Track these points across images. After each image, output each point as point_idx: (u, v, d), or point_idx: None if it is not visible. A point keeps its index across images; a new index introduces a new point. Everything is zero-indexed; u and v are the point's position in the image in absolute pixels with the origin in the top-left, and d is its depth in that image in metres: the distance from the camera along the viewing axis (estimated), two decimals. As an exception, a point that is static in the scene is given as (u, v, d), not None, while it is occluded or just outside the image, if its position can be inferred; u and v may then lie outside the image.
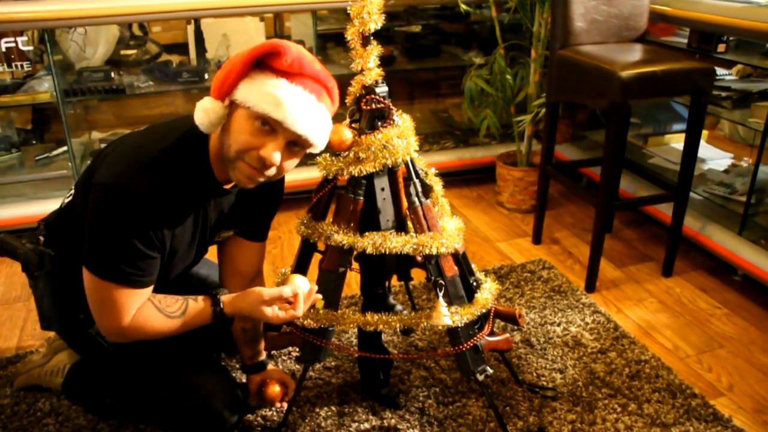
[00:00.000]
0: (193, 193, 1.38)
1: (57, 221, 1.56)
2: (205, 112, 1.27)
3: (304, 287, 1.42)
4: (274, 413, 1.73)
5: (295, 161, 1.35)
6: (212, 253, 1.69)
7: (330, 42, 3.32)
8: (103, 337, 1.56)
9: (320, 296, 1.48)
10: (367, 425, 1.69)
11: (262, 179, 1.32)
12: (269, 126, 1.26)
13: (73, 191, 1.51)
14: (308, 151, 1.36)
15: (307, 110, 1.26)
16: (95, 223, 1.31)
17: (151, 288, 1.39)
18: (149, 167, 1.30)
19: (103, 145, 2.94)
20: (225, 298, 1.44)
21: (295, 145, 1.31)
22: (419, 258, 1.52)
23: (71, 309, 1.54)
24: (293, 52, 1.25)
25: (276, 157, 1.27)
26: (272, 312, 1.39)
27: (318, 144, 1.34)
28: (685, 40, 2.60)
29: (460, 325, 1.52)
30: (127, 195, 1.26)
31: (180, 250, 1.44)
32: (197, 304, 1.43)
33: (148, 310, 1.39)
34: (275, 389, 1.66)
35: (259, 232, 1.62)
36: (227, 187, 1.43)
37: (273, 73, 1.25)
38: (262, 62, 1.26)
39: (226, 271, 1.64)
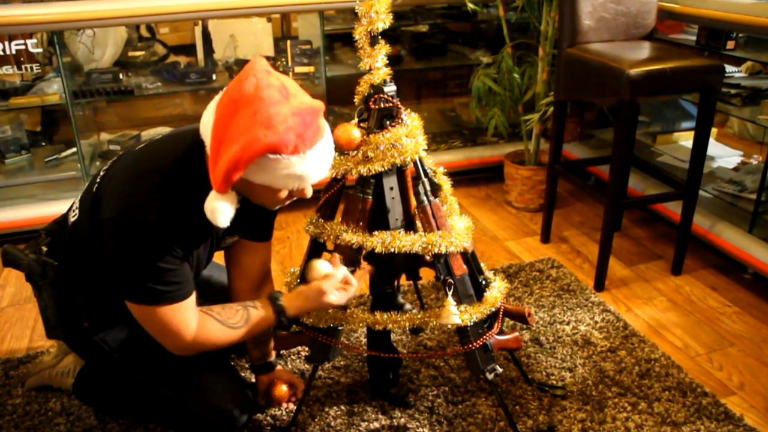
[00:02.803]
0: (198, 209, 1.37)
1: (62, 235, 1.56)
2: (217, 210, 1.25)
3: (326, 269, 1.48)
4: (284, 413, 1.73)
5: None
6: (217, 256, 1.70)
7: (337, 42, 3.32)
8: (108, 344, 1.56)
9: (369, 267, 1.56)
10: (376, 424, 1.69)
11: None
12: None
13: (78, 208, 1.50)
14: None
15: (323, 160, 1.30)
16: (118, 258, 1.32)
17: (194, 295, 1.39)
18: (153, 191, 1.31)
19: (111, 147, 2.99)
20: (285, 302, 1.46)
21: None
22: (428, 257, 1.52)
23: (75, 318, 1.54)
24: (291, 138, 1.21)
25: (308, 195, 1.35)
26: (336, 297, 1.45)
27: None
28: (694, 38, 2.59)
29: (469, 324, 1.51)
30: (138, 224, 1.28)
31: (196, 260, 1.45)
32: (259, 312, 1.45)
33: (210, 324, 1.40)
34: (282, 389, 1.67)
35: (263, 232, 1.62)
36: None
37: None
38: None
39: (234, 275, 1.64)
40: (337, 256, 1.51)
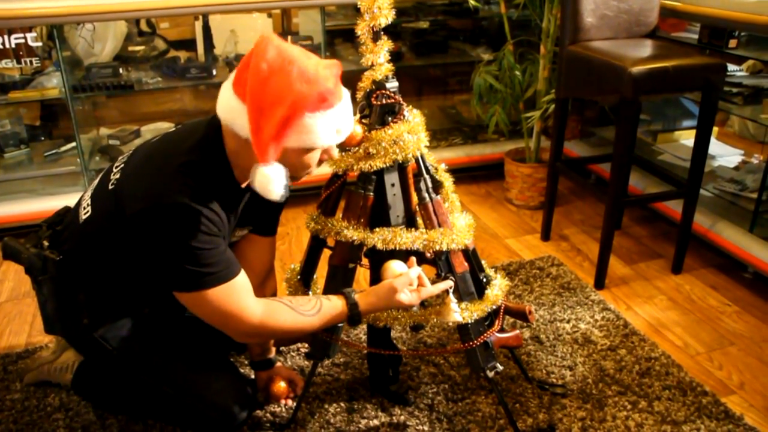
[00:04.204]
0: (220, 195, 1.37)
1: (67, 229, 1.55)
2: (269, 180, 1.24)
3: (400, 269, 1.46)
4: (283, 410, 1.73)
5: None
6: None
7: (338, 38, 3.31)
8: (108, 341, 1.55)
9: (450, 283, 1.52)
10: (376, 422, 1.69)
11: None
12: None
13: (90, 205, 1.48)
14: None
15: (348, 113, 1.32)
16: (154, 247, 1.30)
17: (243, 275, 1.37)
18: (176, 175, 1.30)
19: (111, 142, 2.98)
20: (358, 297, 1.44)
21: None
22: (429, 254, 1.51)
23: (75, 314, 1.52)
24: (330, 88, 1.25)
25: (335, 155, 1.39)
26: (408, 297, 1.43)
27: None
28: (696, 36, 2.59)
29: (470, 322, 1.51)
30: (168, 208, 1.26)
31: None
32: (332, 303, 1.43)
33: (279, 308, 1.38)
34: (281, 386, 1.66)
35: (269, 227, 1.63)
36: (243, 186, 1.43)
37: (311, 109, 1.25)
38: None
39: None
40: (412, 258, 1.48)
